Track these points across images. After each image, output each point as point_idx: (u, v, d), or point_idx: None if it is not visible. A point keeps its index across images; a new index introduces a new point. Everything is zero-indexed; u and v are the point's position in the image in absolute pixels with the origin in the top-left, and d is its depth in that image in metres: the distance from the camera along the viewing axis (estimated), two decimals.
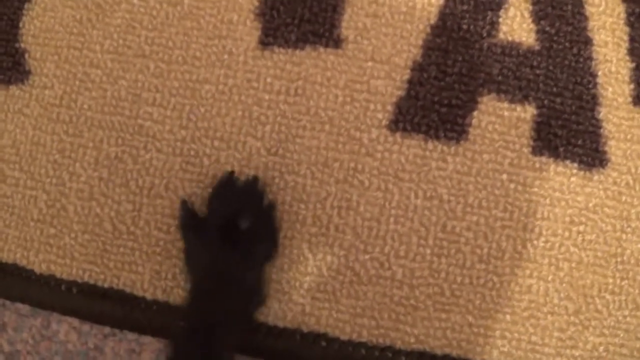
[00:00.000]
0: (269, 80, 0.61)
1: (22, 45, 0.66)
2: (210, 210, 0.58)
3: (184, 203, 0.58)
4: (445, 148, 0.60)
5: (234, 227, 0.56)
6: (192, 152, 0.61)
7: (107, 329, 0.62)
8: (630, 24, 0.62)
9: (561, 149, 0.61)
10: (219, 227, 0.56)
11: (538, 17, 0.62)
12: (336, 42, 0.61)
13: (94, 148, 0.63)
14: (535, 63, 0.61)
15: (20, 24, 0.66)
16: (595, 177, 0.61)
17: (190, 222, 0.58)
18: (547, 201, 0.60)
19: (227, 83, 0.61)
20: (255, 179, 0.59)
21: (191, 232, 0.58)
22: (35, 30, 0.65)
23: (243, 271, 0.55)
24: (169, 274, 0.61)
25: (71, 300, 0.62)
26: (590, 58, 0.62)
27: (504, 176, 0.60)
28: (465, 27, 0.61)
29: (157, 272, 0.61)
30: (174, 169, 0.61)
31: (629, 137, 0.61)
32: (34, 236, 0.63)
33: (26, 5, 0.66)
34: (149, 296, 0.61)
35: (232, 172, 0.59)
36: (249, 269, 0.56)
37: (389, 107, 0.60)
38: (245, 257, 0.56)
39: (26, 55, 0.65)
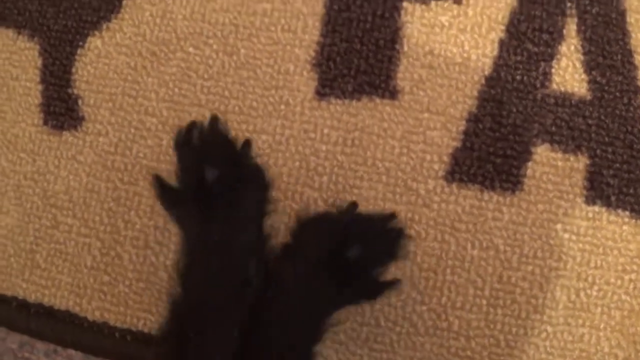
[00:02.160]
0: (325, 131, 0.62)
1: (75, 91, 0.66)
2: (180, 173, 0.50)
3: (156, 178, 0.50)
4: (500, 199, 0.60)
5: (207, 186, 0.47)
6: None
7: None
8: None
9: (613, 198, 0.61)
10: (192, 189, 0.48)
11: (589, 67, 0.62)
12: (392, 93, 0.62)
13: (149, 197, 0.63)
14: (587, 113, 0.62)
15: (73, 70, 0.66)
16: None
17: (166, 195, 0.50)
18: (600, 250, 0.61)
19: (283, 133, 0.62)
20: (215, 119, 0.51)
21: (170, 207, 0.50)
22: (89, 76, 0.66)
23: (234, 232, 0.47)
24: None
25: (125, 348, 0.62)
26: None
27: (559, 226, 0.60)
28: (519, 77, 0.62)
29: None
30: None
31: None
32: (87, 283, 0.63)
33: (79, 51, 0.67)
34: None
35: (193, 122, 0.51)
36: (240, 228, 0.48)
37: (445, 158, 0.61)
38: (231, 215, 0.48)
39: (79, 102, 0.66)
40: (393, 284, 0.51)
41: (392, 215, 0.52)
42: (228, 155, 0.49)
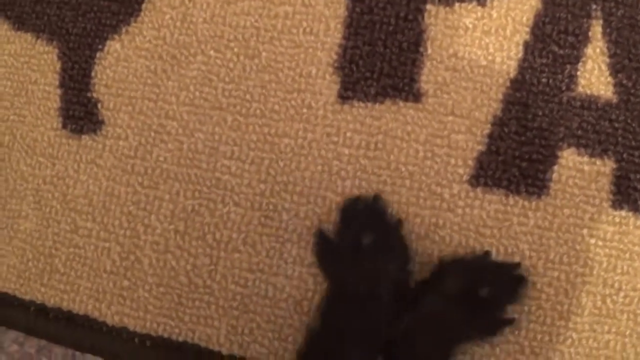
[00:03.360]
0: (348, 134, 0.61)
1: (95, 94, 0.66)
2: (339, 233, 0.59)
3: (320, 232, 0.59)
4: (526, 203, 0.59)
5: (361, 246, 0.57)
6: (271, 207, 0.61)
7: None
8: None
9: None
10: (348, 248, 0.58)
11: (615, 70, 0.61)
12: (416, 96, 0.61)
13: (169, 201, 0.62)
14: (613, 116, 0.61)
15: (93, 73, 0.66)
16: None
17: (324, 248, 0.59)
18: (627, 255, 0.59)
19: (306, 137, 0.61)
20: (377, 197, 0.60)
21: (324, 258, 0.59)
22: (108, 80, 0.66)
23: (372, 287, 0.55)
24: (246, 328, 0.60)
25: (145, 353, 0.61)
26: None
27: (585, 231, 0.59)
28: (544, 80, 0.61)
29: (234, 327, 0.60)
30: (252, 223, 0.61)
31: None
32: (106, 288, 0.63)
33: (98, 55, 0.66)
34: (224, 351, 0.60)
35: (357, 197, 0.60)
36: (378, 285, 0.56)
37: (470, 162, 0.60)
38: (373, 274, 0.56)
39: (99, 105, 0.65)
40: (511, 321, 0.58)
41: (518, 264, 0.59)
42: (382, 227, 0.58)
